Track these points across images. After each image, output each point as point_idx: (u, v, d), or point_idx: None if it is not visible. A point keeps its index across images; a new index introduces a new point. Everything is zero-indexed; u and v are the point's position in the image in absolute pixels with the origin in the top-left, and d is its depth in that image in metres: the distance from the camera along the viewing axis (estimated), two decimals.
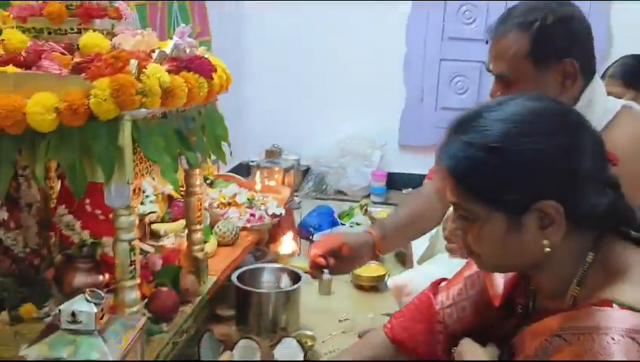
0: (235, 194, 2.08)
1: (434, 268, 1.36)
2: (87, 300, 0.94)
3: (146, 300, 1.23)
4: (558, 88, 1.18)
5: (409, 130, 3.24)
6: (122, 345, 0.95)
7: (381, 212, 2.64)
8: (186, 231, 1.49)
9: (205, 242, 1.56)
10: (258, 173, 2.57)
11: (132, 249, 1.07)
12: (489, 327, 1.02)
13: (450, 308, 1.06)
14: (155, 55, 1.08)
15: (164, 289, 1.28)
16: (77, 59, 1.00)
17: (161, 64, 1.06)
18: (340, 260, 1.28)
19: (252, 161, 2.70)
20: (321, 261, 1.24)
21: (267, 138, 2.89)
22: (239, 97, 3.08)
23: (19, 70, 1.00)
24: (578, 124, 0.81)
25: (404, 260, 2.13)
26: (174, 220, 1.81)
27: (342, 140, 3.16)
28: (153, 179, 1.77)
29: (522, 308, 0.95)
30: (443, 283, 1.11)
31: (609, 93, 1.37)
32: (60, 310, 0.93)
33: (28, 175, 1.23)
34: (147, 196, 1.72)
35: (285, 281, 1.69)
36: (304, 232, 2.33)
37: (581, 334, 0.75)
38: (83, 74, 0.96)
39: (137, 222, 1.09)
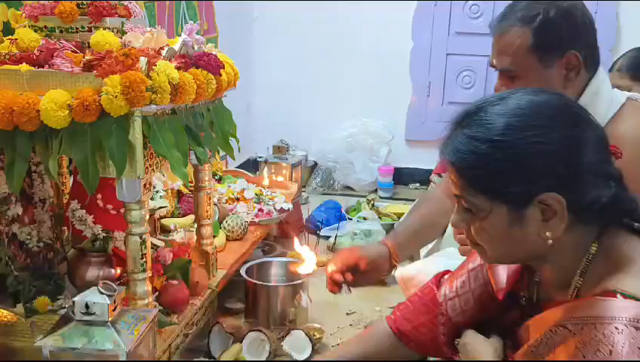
0: (243, 190, 2.10)
1: (441, 260, 1.37)
2: (100, 292, 0.96)
3: (157, 293, 1.26)
4: (562, 81, 1.19)
5: (416, 125, 3.24)
6: (134, 336, 0.97)
7: (388, 207, 2.66)
8: (196, 225, 1.52)
9: (214, 237, 1.58)
10: (266, 168, 2.59)
11: (143, 242, 1.09)
12: (492, 319, 1.03)
13: (454, 300, 1.07)
14: (164, 52, 1.10)
15: (175, 282, 1.30)
16: (88, 57, 1.02)
17: (170, 61, 1.08)
18: (358, 274, 1.30)
19: (260, 157, 2.72)
20: (340, 278, 1.27)
21: (275, 134, 2.91)
22: (247, 94, 3.10)
23: (32, 68, 1.02)
24: (580, 116, 0.82)
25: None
26: (184, 215, 1.84)
27: (349, 136, 3.16)
28: (163, 175, 1.79)
29: (526, 299, 0.96)
30: (446, 276, 1.12)
31: (617, 87, 1.37)
32: (74, 301, 0.96)
33: (41, 171, 1.25)
34: (157, 191, 1.74)
35: (293, 275, 1.70)
36: (312, 227, 2.35)
37: (585, 324, 0.75)
38: (94, 71, 0.98)
39: (148, 216, 1.11)
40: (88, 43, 1.09)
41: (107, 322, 0.95)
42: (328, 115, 3.22)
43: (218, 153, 1.35)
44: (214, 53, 1.24)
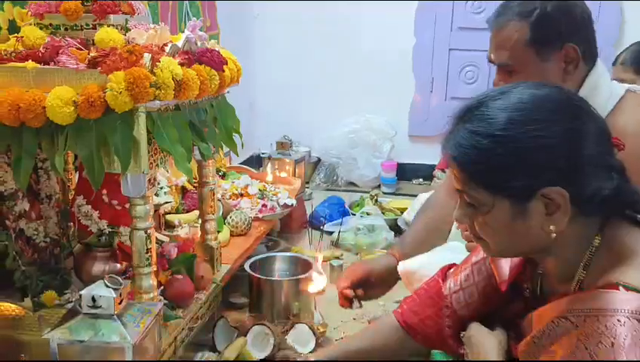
0: (247, 186, 2.12)
1: (444, 254, 1.38)
2: (107, 285, 0.97)
3: (162, 287, 1.27)
4: (561, 74, 1.19)
5: (419, 121, 3.24)
6: (140, 329, 0.99)
7: (391, 202, 2.66)
8: (200, 221, 1.53)
9: (218, 232, 1.60)
10: (269, 164, 2.60)
11: (148, 237, 1.10)
12: (497, 311, 1.04)
13: (458, 293, 1.08)
14: (167, 49, 1.11)
15: (180, 276, 1.31)
16: (93, 54, 1.04)
17: (173, 57, 1.09)
18: (368, 288, 1.31)
19: (263, 153, 2.73)
20: (350, 293, 1.28)
21: (278, 130, 2.92)
22: (250, 91, 3.11)
23: (38, 65, 1.03)
24: (581, 109, 0.82)
25: None
26: (188, 211, 1.85)
27: (352, 132, 3.17)
28: (167, 171, 1.81)
29: (529, 291, 0.96)
30: (452, 269, 1.13)
31: (620, 80, 1.38)
32: (80, 295, 0.97)
33: (47, 167, 1.27)
34: (161, 188, 1.76)
35: (297, 269, 1.72)
36: (315, 222, 2.36)
37: (587, 316, 0.76)
38: (99, 68, 1.00)
39: (152, 211, 1.12)
40: (93, 40, 1.11)
41: (113, 315, 0.97)
42: (331, 111, 3.23)
43: (222, 149, 1.36)
44: (217, 49, 1.25)
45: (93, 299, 0.96)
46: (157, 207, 1.63)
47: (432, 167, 3.04)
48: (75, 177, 1.40)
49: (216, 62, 1.18)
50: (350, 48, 3.19)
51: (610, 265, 0.79)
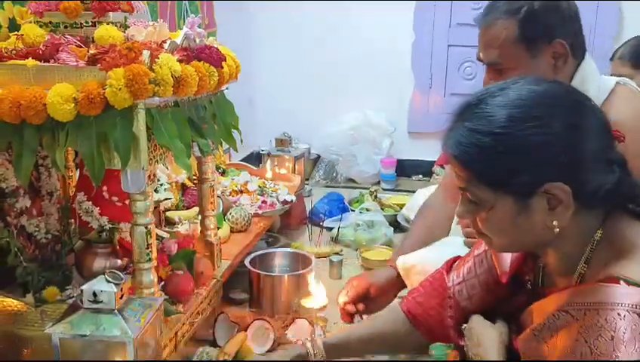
0: (246, 182, 2.13)
1: (443, 249, 1.39)
2: (108, 280, 0.98)
3: (162, 283, 1.28)
4: (550, 70, 1.20)
5: (418, 117, 3.25)
6: (141, 323, 0.99)
7: (390, 198, 2.67)
8: (200, 217, 1.54)
9: (218, 228, 1.61)
10: (269, 161, 2.61)
11: (148, 232, 1.11)
12: (498, 304, 1.05)
13: (461, 285, 1.08)
14: (166, 45, 1.12)
15: (180, 272, 1.32)
16: (92, 51, 1.04)
17: (172, 54, 1.10)
18: (370, 301, 1.32)
19: (263, 150, 2.74)
20: (352, 309, 1.29)
21: (277, 127, 2.92)
22: (249, 88, 3.12)
23: (38, 63, 1.03)
24: (581, 104, 0.82)
25: None
26: (188, 208, 1.86)
27: (351, 128, 3.18)
28: (167, 168, 1.82)
29: (531, 284, 0.97)
30: (457, 262, 1.14)
31: (618, 75, 1.38)
32: (82, 290, 0.98)
33: (48, 164, 1.28)
34: (161, 184, 1.77)
35: (297, 265, 1.73)
36: (315, 219, 2.37)
37: (587, 309, 0.76)
38: (98, 65, 1.00)
39: (153, 207, 1.13)
40: (92, 37, 1.11)
41: (114, 310, 0.97)
42: (331, 107, 3.23)
43: (221, 145, 1.37)
44: (215, 46, 1.25)
45: (95, 294, 0.97)
46: (157, 203, 1.64)
47: (432, 163, 3.05)
48: (76, 174, 1.41)
49: (214, 58, 1.19)
50: (349, 44, 3.19)
51: (611, 258, 0.79)
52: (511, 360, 0.95)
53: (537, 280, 0.96)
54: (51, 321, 1.00)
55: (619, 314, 0.73)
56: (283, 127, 2.90)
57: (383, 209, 2.47)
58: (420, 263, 1.37)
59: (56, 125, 0.99)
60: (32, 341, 1.11)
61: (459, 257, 1.15)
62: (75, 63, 1.03)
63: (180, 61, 1.10)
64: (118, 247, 1.27)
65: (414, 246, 1.45)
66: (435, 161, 3.03)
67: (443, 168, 2.77)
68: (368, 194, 2.61)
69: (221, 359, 1.28)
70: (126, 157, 1.00)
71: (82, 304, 0.98)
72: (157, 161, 1.10)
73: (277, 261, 1.77)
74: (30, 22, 1.16)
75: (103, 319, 0.97)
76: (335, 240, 2.22)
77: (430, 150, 3.05)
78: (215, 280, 1.48)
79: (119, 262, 1.27)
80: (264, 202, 2.03)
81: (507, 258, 1.00)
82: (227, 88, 1.37)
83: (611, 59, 2.15)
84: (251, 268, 1.64)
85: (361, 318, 1.34)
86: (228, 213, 1.85)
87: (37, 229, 1.25)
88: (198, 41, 1.19)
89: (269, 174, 2.36)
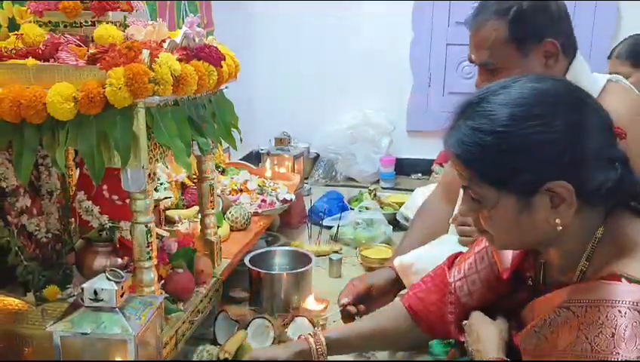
0: (246, 181, 2.13)
1: (439, 247, 1.40)
2: (108, 279, 0.98)
3: (163, 281, 1.29)
4: (542, 69, 1.21)
5: (417, 116, 3.25)
6: (142, 321, 1.00)
7: (390, 196, 2.68)
8: (200, 216, 1.54)
9: (218, 227, 1.61)
10: (268, 160, 2.61)
11: (148, 231, 1.11)
12: (499, 300, 1.05)
13: (462, 281, 1.09)
14: (165, 45, 1.12)
15: (180, 270, 1.33)
16: (92, 51, 1.04)
17: (172, 53, 1.10)
18: (370, 302, 1.33)
19: (262, 149, 2.74)
20: (353, 309, 1.30)
21: (276, 126, 2.93)
22: (248, 86, 3.12)
23: (38, 62, 1.04)
24: (583, 102, 0.82)
25: None
26: (188, 207, 1.87)
27: (350, 127, 3.18)
28: (167, 167, 1.82)
29: (532, 280, 0.97)
30: (458, 258, 1.14)
31: (616, 73, 1.39)
32: (82, 288, 0.98)
33: (48, 164, 1.28)
34: (161, 183, 1.77)
35: (296, 263, 1.73)
36: (314, 217, 2.37)
37: (588, 306, 0.77)
38: (98, 64, 1.00)
39: (153, 206, 1.13)
40: (92, 37, 1.11)
41: (115, 308, 0.98)
42: (330, 107, 3.24)
43: (220, 144, 1.37)
44: (215, 45, 1.26)
45: (95, 293, 0.97)
46: (157, 202, 1.65)
47: (431, 162, 3.06)
48: (76, 173, 1.41)
49: (214, 57, 1.19)
50: (348, 43, 3.20)
51: (613, 256, 0.80)
52: (511, 356, 0.96)
53: (538, 277, 0.96)
54: (52, 320, 1.01)
55: (620, 312, 0.73)
56: (282, 126, 2.91)
57: (382, 207, 2.47)
58: (417, 262, 1.38)
59: (57, 124, 1.00)
60: (33, 339, 1.11)
61: (460, 253, 1.15)
62: (74, 63, 1.03)
63: (180, 60, 1.10)
64: (118, 246, 1.28)
65: (414, 246, 1.46)
66: (434, 160, 3.04)
67: (442, 166, 2.78)
68: (367, 192, 2.61)
69: (221, 357, 1.29)
70: (126, 156, 1.00)
71: (83, 302, 0.99)
72: (157, 159, 1.10)
73: (277, 259, 1.78)
74: (30, 21, 1.16)
75: (104, 317, 0.98)
76: (334, 238, 2.23)
77: (429, 149, 3.06)
78: (215, 278, 1.48)
79: (119, 260, 1.27)
80: (264, 201, 2.04)
81: (508, 254, 1.01)
82: (226, 87, 1.37)
83: (609, 57, 2.16)
84: (251, 267, 1.65)
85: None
86: (227, 212, 1.85)
87: (37, 228, 1.25)
88: (197, 40, 1.20)
89: (268, 173, 2.37)
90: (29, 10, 1.18)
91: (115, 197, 1.26)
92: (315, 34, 3.21)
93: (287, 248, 1.86)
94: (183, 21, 1.52)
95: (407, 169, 3.27)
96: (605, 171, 0.79)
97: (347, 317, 1.33)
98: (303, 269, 1.64)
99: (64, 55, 1.05)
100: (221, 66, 1.24)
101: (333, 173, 3.20)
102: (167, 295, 1.26)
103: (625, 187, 0.81)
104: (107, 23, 1.14)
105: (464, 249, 1.25)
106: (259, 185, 2.12)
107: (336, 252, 2.08)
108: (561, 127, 0.77)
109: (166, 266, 1.32)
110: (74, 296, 1.20)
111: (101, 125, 1.00)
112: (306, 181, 2.92)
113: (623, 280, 0.76)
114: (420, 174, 3.26)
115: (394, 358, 1.34)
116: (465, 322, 1.07)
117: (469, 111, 0.83)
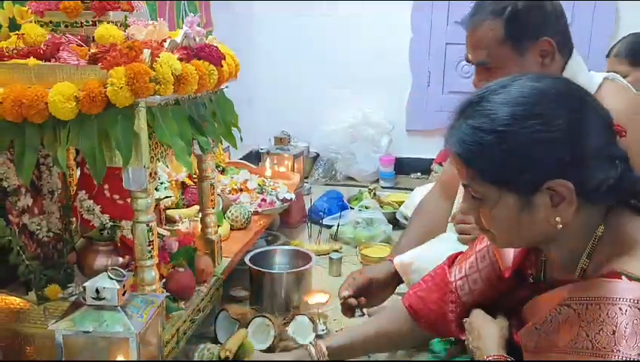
0: (246, 180, 2.13)
1: (440, 245, 1.40)
2: (110, 277, 0.99)
3: (164, 280, 1.29)
4: (538, 67, 1.22)
5: (416, 115, 3.26)
6: (144, 319, 1.00)
7: (389, 196, 2.68)
8: (200, 215, 1.55)
9: (218, 226, 1.61)
10: (268, 159, 2.62)
11: (150, 230, 1.12)
12: (500, 298, 1.05)
13: (462, 280, 1.09)
14: (166, 44, 1.12)
15: (181, 269, 1.33)
16: (93, 50, 1.05)
17: (172, 53, 1.11)
18: (370, 295, 1.34)
19: (262, 148, 2.75)
20: (354, 302, 1.31)
21: (276, 125, 2.94)
22: (247, 85, 3.12)
23: (39, 62, 1.04)
24: (583, 101, 0.82)
25: None
26: (188, 206, 1.87)
27: (350, 126, 3.19)
28: (167, 166, 1.82)
29: (533, 278, 0.98)
30: (459, 257, 1.15)
31: (615, 72, 1.40)
32: (84, 287, 0.99)
33: (49, 163, 1.29)
34: (162, 183, 1.77)
35: (297, 262, 1.74)
36: (314, 216, 2.38)
37: (589, 304, 0.77)
38: (99, 64, 1.01)
39: (154, 205, 1.14)
40: (93, 37, 1.12)
41: (117, 306, 0.98)
42: (329, 106, 3.25)
43: (221, 143, 1.38)
44: (215, 44, 1.26)
45: (97, 291, 0.98)
46: (157, 201, 1.65)
47: (430, 161, 3.06)
48: (77, 173, 1.42)
49: (214, 57, 1.20)
50: (348, 43, 3.20)
51: (613, 254, 0.80)
52: (512, 354, 0.96)
53: (539, 275, 0.97)
54: (54, 319, 1.01)
55: (620, 309, 0.74)
56: (282, 125, 2.91)
57: (381, 206, 2.48)
58: (417, 261, 1.38)
59: (58, 124, 1.00)
60: (35, 338, 1.11)
61: (461, 252, 1.16)
62: (76, 62, 1.04)
63: (181, 60, 1.10)
64: (119, 245, 1.28)
65: (411, 243, 1.47)
66: (433, 159, 3.04)
67: (441, 165, 2.78)
68: (367, 192, 2.62)
69: (222, 356, 1.29)
70: (127, 155, 1.01)
71: (85, 301, 0.99)
72: (158, 158, 1.11)
73: (277, 258, 1.78)
74: (30, 21, 1.17)
75: (106, 315, 0.98)
76: (334, 237, 2.23)
77: (428, 148, 3.07)
78: (216, 277, 1.48)
79: (121, 259, 1.27)
80: (263, 200, 2.04)
81: (510, 252, 1.01)
82: (227, 87, 1.37)
83: (607, 56, 2.16)
84: (251, 266, 1.65)
85: (362, 312, 1.35)
86: (228, 211, 1.85)
87: (39, 228, 1.26)
88: (197, 39, 1.20)
89: (268, 172, 2.37)
90: (29, 10, 1.18)
91: (117, 196, 1.26)
92: (313, 34, 3.22)
93: (287, 247, 1.86)
94: (183, 21, 1.52)
95: (406, 168, 3.27)
96: (605, 169, 0.80)
97: (347, 309, 1.34)
98: (303, 268, 1.65)
99: (65, 55, 1.05)
100: (221, 66, 1.24)
101: (333, 173, 3.20)
102: (168, 293, 1.26)
103: (625, 185, 0.81)
104: (108, 22, 1.14)
105: (464, 247, 1.26)
106: (259, 185, 2.12)
107: (336, 251, 2.09)
108: (561, 126, 0.78)
109: (167, 265, 1.32)
110: (75, 294, 1.20)
111: (102, 124, 1.00)
112: (305, 180, 2.93)
113: (623, 277, 0.76)
114: (419, 173, 3.26)
115: (394, 357, 1.35)
116: (465, 320, 1.07)
117: (469, 110, 0.83)
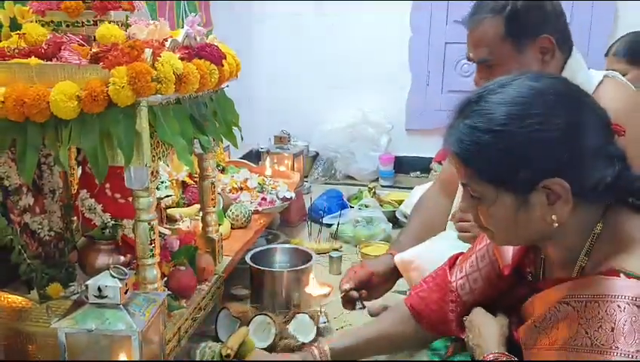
0: (246, 179, 2.14)
1: (440, 243, 1.41)
2: (112, 276, 0.99)
3: (165, 279, 1.29)
4: (538, 65, 1.23)
5: (416, 114, 3.26)
6: (146, 318, 1.01)
7: (389, 194, 2.69)
8: (201, 214, 1.55)
9: (219, 225, 1.62)
10: (268, 158, 2.62)
11: (151, 229, 1.12)
12: (500, 296, 1.06)
13: (463, 280, 1.10)
14: (167, 43, 1.13)
15: (182, 268, 1.34)
16: (95, 50, 1.05)
17: (173, 52, 1.11)
18: (370, 289, 1.35)
19: (262, 148, 2.75)
20: (355, 294, 1.32)
21: (276, 125, 2.94)
22: (247, 85, 3.13)
23: (41, 61, 1.04)
24: (581, 100, 0.82)
25: None
26: (189, 205, 1.87)
27: (349, 126, 3.19)
28: (168, 166, 1.83)
29: (532, 276, 0.98)
30: (459, 258, 1.15)
31: (613, 70, 1.41)
32: (86, 286, 0.99)
33: (50, 162, 1.29)
34: (162, 182, 1.78)
35: (297, 261, 1.74)
36: (314, 215, 2.38)
37: (588, 301, 0.77)
38: (101, 63, 1.01)
39: (155, 204, 1.14)
40: (94, 36, 1.12)
41: (119, 304, 0.98)
42: (329, 105, 3.25)
43: (222, 142, 1.38)
44: (215, 44, 1.27)
45: (100, 289, 0.98)
46: (158, 200, 1.66)
47: (429, 160, 3.07)
48: (78, 172, 1.42)
49: (215, 56, 1.20)
50: (347, 42, 3.20)
51: (611, 251, 0.80)
52: (511, 352, 0.97)
53: (538, 273, 0.97)
54: (56, 317, 1.02)
55: (619, 306, 0.74)
56: (282, 124, 2.92)
57: (381, 205, 2.48)
58: (417, 259, 1.39)
59: (60, 123, 1.00)
60: (37, 337, 1.12)
61: (461, 253, 1.17)
62: (77, 62, 1.04)
63: (182, 59, 1.11)
64: (120, 244, 1.28)
65: (410, 240, 1.47)
66: (432, 158, 3.05)
67: (441, 164, 2.79)
68: (367, 190, 2.62)
69: (224, 353, 1.30)
70: (129, 154, 1.01)
71: (87, 299, 0.99)
72: (159, 157, 1.11)
73: (277, 257, 1.79)
74: (32, 21, 1.17)
75: (108, 314, 0.98)
76: (334, 236, 2.24)
77: (428, 147, 3.07)
78: (217, 275, 1.49)
79: (122, 258, 1.28)
80: (264, 199, 2.05)
81: (509, 251, 1.02)
82: (227, 86, 1.38)
83: (606, 54, 2.16)
84: (252, 264, 1.65)
85: (363, 306, 1.35)
86: (228, 210, 1.86)
87: (40, 227, 1.26)
88: (198, 39, 1.20)
89: (268, 171, 2.38)
90: (30, 10, 1.18)
91: (118, 195, 1.27)
92: (313, 33, 3.22)
93: (287, 246, 1.87)
94: (183, 21, 1.53)
95: (406, 167, 3.28)
96: (603, 168, 0.80)
97: (348, 302, 1.34)
98: (303, 267, 1.65)
99: (67, 54, 1.05)
100: (222, 65, 1.24)
101: (333, 172, 3.21)
102: (169, 292, 1.27)
103: (623, 183, 0.81)
104: (109, 22, 1.14)
105: (464, 245, 1.26)
106: (259, 184, 2.13)
107: (336, 249, 2.09)
108: (558, 127, 0.78)
109: (168, 264, 1.33)
110: (77, 293, 1.21)
111: (104, 124, 1.00)
112: (305, 179, 2.93)
113: (621, 275, 0.76)
114: (418, 172, 3.27)
115: (394, 357, 1.35)
116: (466, 318, 1.08)
117: (467, 110, 0.84)
